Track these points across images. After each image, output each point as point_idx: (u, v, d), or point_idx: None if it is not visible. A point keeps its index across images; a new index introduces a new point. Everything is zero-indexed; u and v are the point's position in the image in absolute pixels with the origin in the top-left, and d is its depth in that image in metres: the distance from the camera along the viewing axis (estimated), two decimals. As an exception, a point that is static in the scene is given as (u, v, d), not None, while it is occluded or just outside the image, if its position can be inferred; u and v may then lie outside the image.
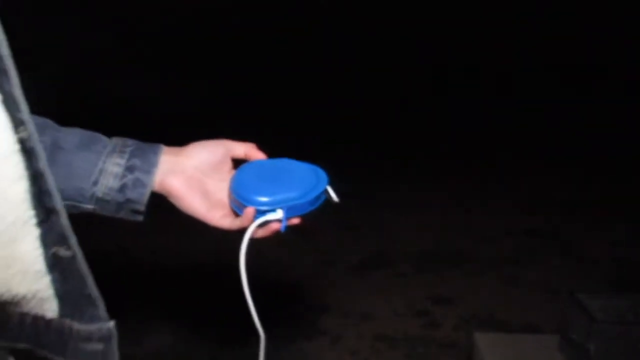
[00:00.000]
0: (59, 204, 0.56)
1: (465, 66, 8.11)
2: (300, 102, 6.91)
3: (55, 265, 0.57)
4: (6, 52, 0.51)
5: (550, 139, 6.58)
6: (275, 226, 0.77)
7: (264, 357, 0.82)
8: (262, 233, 0.78)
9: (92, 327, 0.61)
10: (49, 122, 0.74)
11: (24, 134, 0.51)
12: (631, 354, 1.93)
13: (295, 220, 0.79)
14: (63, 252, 0.58)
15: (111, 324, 0.63)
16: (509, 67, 8.06)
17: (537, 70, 8.06)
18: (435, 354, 2.64)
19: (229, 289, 0.76)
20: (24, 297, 0.56)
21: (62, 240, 0.57)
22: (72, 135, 0.75)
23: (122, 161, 0.74)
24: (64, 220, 0.57)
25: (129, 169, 0.74)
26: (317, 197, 0.78)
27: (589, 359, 1.93)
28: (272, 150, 0.84)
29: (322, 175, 0.80)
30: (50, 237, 0.56)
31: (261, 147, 0.82)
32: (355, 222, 4.38)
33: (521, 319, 2.92)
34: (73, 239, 0.59)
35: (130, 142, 0.77)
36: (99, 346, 0.62)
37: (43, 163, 0.53)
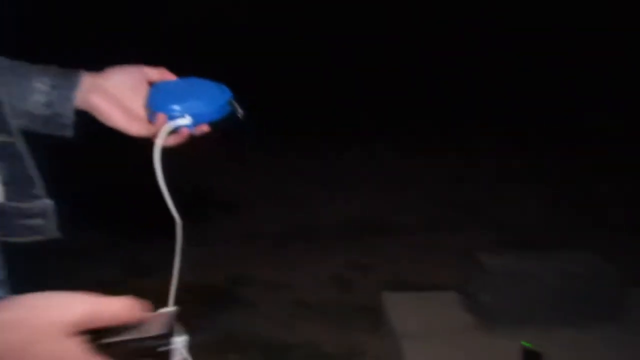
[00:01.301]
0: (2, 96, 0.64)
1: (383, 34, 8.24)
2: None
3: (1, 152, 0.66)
4: None
5: (471, 112, 6.85)
6: (185, 132, 0.86)
7: (180, 241, 0.86)
8: (174, 140, 0.86)
9: (33, 204, 0.72)
10: None
11: None
12: (521, 303, 2.09)
13: (204, 128, 0.87)
14: (5, 138, 0.68)
15: (48, 201, 0.73)
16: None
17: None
18: (349, 317, 2.75)
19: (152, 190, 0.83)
20: None
21: (4, 128, 0.67)
22: (6, 60, 0.84)
23: (47, 80, 0.84)
24: (6, 109, 0.67)
25: (54, 86, 0.84)
26: (222, 107, 0.88)
27: (484, 308, 2.09)
28: None
29: (225, 89, 0.90)
30: None
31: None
32: (277, 194, 4.45)
33: (432, 281, 3.07)
34: (13, 126, 0.69)
35: (53, 66, 0.87)
36: (39, 221, 0.73)
37: None
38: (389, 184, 4.76)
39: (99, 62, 0.94)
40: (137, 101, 0.89)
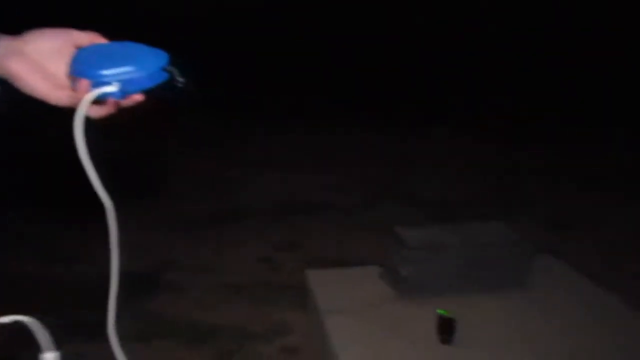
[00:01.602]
0: None
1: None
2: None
3: None
4: None
5: (382, 93, 7.00)
6: (112, 102, 0.77)
7: (115, 226, 0.80)
8: (100, 111, 0.78)
9: None
10: None
11: None
12: (438, 275, 2.18)
13: (137, 97, 0.79)
14: None
15: None
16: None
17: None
18: (276, 296, 2.78)
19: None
20: None
21: None
22: None
23: None
24: None
25: None
26: (156, 74, 0.79)
27: (403, 281, 2.17)
28: None
29: (162, 54, 0.81)
30: None
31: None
32: (206, 176, 4.40)
33: (357, 257, 3.16)
34: None
35: None
36: None
37: None
38: (313, 164, 4.82)
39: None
40: (61, 67, 0.80)
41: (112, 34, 0.85)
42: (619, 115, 6.41)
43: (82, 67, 0.78)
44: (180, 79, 0.81)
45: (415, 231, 2.35)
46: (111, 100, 0.77)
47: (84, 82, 0.76)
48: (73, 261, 2.93)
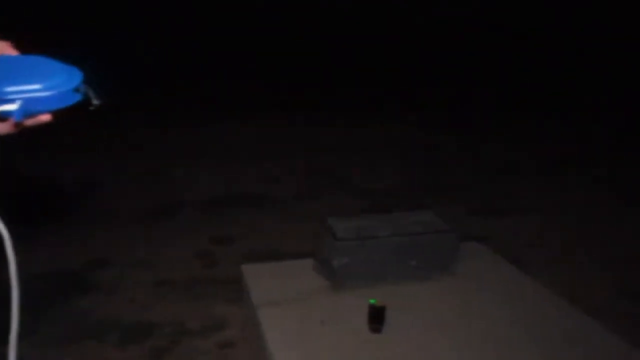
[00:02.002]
0: None
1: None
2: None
3: None
4: None
5: (344, 81, 7.06)
6: (13, 120, 0.72)
7: (12, 255, 0.75)
8: (1, 128, 0.74)
9: None
10: None
11: None
12: (369, 265, 2.25)
13: (44, 117, 0.75)
14: None
15: None
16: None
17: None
18: (214, 291, 2.77)
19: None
20: None
21: None
22: None
23: None
24: None
25: None
26: (66, 94, 0.74)
27: (333, 272, 2.21)
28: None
29: (77, 73, 0.76)
30: None
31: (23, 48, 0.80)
32: (139, 171, 4.31)
33: (296, 249, 3.18)
34: None
35: None
36: None
37: None
38: (248, 156, 4.80)
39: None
40: None
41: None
42: (547, 100, 6.73)
43: None
44: (95, 101, 0.77)
45: (346, 222, 2.41)
46: (11, 119, 0.73)
47: None
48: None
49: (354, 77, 7.25)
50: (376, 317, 1.93)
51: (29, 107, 0.72)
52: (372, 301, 1.95)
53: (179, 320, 2.58)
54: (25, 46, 0.81)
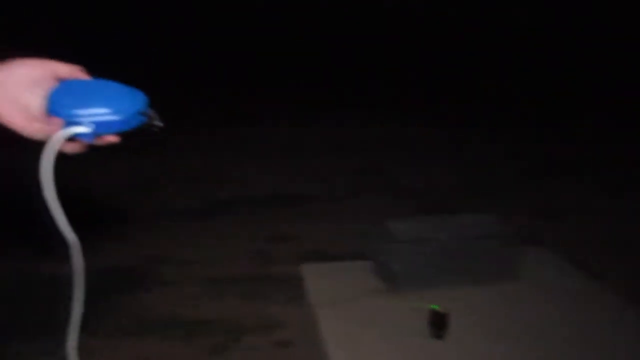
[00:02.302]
0: None
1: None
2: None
3: None
4: None
5: (372, 84, 7.01)
6: (83, 142, 0.78)
7: (80, 266, 0.80)
8: (73, 148, 0.79)
9: None
10: None
11: None
12: (428, 268, 2.21)
13: (112, 138, 0.80)
14: None
15: None
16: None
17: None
18: (270, 290, 2.79)
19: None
20: None
21: None
22: None
23: None
24: None
25: None
26: (132, 117, 0.79)
27: (394, 276, 2.19)
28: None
29: (141, 97, 0.81)
30: None
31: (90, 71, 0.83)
32: (193, 170, 4.39)
33: (350, 249, 3.16)
34: None
35: None
36: None
37: None
38: (295, 155, 4.81)
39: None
40: (38, 100, 0.80)
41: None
42: (598, 102, 6.47)
43: (57, 105, 0.77)
44: (158, 124, 0.81)
45: (404, 224, 2.38)
46: (82, 140, 0.78)
47: (56, 120, 0.77)
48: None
49: (395, 74, 7.17)
50: (438, 323, 1.89)
51: (98, 130, 0.77)
52: (433, 307, 1.92)
53: (236, 318, 2.61)
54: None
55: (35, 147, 0.81)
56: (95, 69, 0.87)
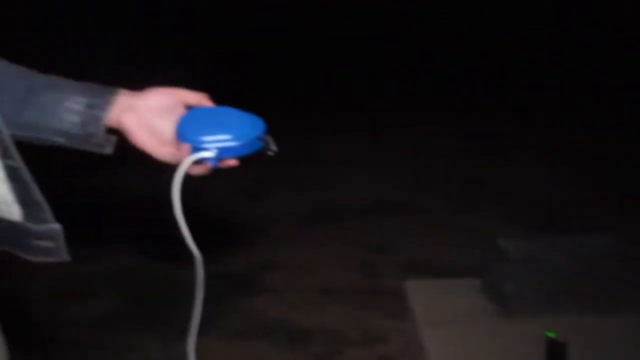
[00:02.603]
0: (1, 123, 0.73)
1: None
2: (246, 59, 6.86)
3: (11, 174, 0.75)
4: None
5: (485, 84, 6.73)
6: (208, 165, 0.85)
7: (202, 277, 0.88)
8: (198, 170, 0.86)
9: (43, 228, 0.79)
10: (24, 69, 0.87)
11: None
12: (545, 292, 2.09)
13: (232, 162, 0.87)
14: (12, 162, 0.74)
15: (57, 225, 0.79)
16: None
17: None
18: (373, 302, 2.77)
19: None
20: None
21: (9, 154, 0.74)
22: (43, 79, 0.86)
23: (83, 100, 0.85)
24: (7, 137, 0.74)
25: (89, 106, 0.85)
26: (251, 143, 0.86)
27: (505, 298, 2.09)
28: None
29: (260, 123, 0.87)
30: (1, 151, 0.73)
31: (212, 98, 0.93)
32: (300, 177, 4.47)
33: (457, 264, 3.07)
34: (15, 153, 0.75)
35: (93, 85, 0.88)
36: (50, 244, 0.80)
37: None
38: (399, 162, 4.73)
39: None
40: (168, 125, 0.88)
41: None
42: None
43: (185, 131, 0.85)
44: (273, 148, 0.87)
45: (519, 243, 2.26)
46: (207, 163, 0.85)
47: (185, 146, 0.84)
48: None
49: (498, 77, 6.86)
50: (556, 354, 1.77)
51: (221, 155, 0.85)
52: (550, 334, 1.80)
53: (339, 328, 2.62)
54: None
55: (163, 167, 0.88)
56: (213, 92, 0.93)
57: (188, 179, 0.85)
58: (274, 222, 3.72)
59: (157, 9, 7.18)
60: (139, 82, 0.93)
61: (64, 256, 0.81)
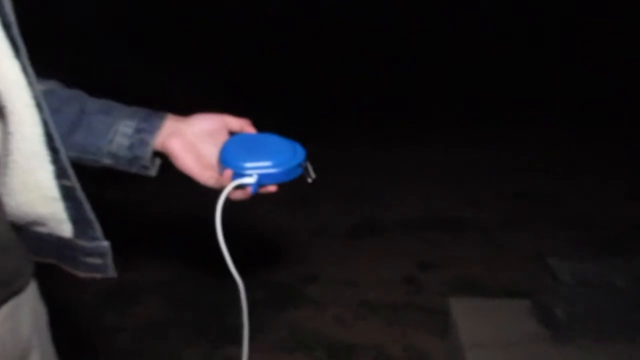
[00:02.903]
0: (60, 145, 0.75)
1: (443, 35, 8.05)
2: (286, 76, 6.91)
3: (65, 194, 0.77)
4: (18, 32, 0.70)
5: (536, 99, 6.54)
6: (249, 190, 0.87)
7: (245, 302, 0.89)
8: (239, 195, 0.88)
9: (92, 245, 0.81)
10: (79, 91, 0.91)
11: (35, 92, 0.72)
12: (596, 317, 1.98)
13: (272, 188, 0.89)
14: (67, 182, 0.77)
15: (106, 243, 0.82)
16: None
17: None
18: (417, 320, 2.70)
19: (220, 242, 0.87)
20: (46, 218, 0.78)
21: (64, 174, 0.76)
22: (96, 102, 0.90)
23: (133, 124, 0.88)
24: (65, 158, 0.76)
25: (137, 130, 0.88)
26: (291, 170, 0.87)
27: (556, 322, 1.99)
28: (261, 123, 0.96)
29: (300, 151, 0.89)
30: (58, 171, 0.76)
31: (254, 122, 0.95)
32: (346, 190, 4.43)
33: (505, 284, 2.97)
34: (72, 173, 0.77)
35: (142, 109, 0.91)
36: (98, 260, 0.82)
37: (47, 114, 0.74)
38: (448, 176, 4.63)
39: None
40: (212, 150, 0.90)
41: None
42: None
43: (228, 156, 0.87)
44: (312, 175, 0.89)
45: (571, 263, 2.15)
46: (248, 189, 0.87)
47: (228, 172, 0.86)
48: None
49: (564, 90, 6.64)
50: (610, 384, 1.67)
51: (262, 180, 0.86)
52: (604, 363, 1.70)
53: (381, 344, 2.57)
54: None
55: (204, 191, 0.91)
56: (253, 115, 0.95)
57: (230, 201, 0.87)
58: (319, 234, 3.70)
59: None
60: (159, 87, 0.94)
61: (111, 272, 0.84)
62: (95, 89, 0.94)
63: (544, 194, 4.21)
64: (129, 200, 4.07)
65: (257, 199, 0.91)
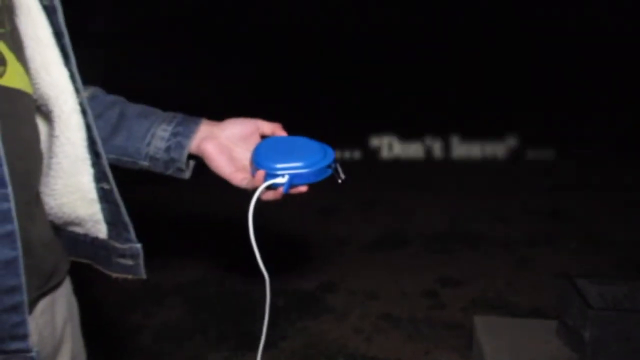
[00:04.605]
0: (102, 149, 0.79)
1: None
2: (313, 86, 6.94)
3: (103, 196, 0.81)
4: (69, 41, 0.74)
5: (568, 119, 6.43)
6: (281, 190, 0.89)
7: (269, 296, 0.91)
8: (271, 195, 0.90)
9: (126, 246, 0.84)
10: (119, 97, 0.96)
11: (81, 99, 0.76)
12: (625, 341, 1.91)
13: (302, 188, 0.90)
14: (106, 185, 0.80)
15: (139, 245, 0.84)
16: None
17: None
18: (438, 336, 2.66)
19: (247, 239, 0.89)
20: (84, 219, 0.82)
21: (105, 177, 0.80)
22: (135, 108, 0.94)
23: (170, 128, 0.92)
24: (105, 162, 0.80)
25: (174, 134, 0.92)
26: (321, 170, 0.89)
27: (584, 345, 1.93)
28: (290, 126, 0.99)
29: (330, 152, 0.91)
30: (97, 174, 0.80)
31: (284, 125, 0.98)
32: (371, 202, 4.41)
33: (530, 303, 2.92)
34: (110, 176, 0.81)
35: (179, 114, 0.95)
36: (130, 262, 0.85)
37: (91, 119, 0.77)
38: (473, 190, 4.57)
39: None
40: (245, 153, 0.93)
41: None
42: None
43: (260, 158, 0.89)
44: (342, 176, 0.90)
45: (600, 285, 2.10)
46: (280, 189, 0.89)
47: (260, 172, 0.88)
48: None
49: (605, 110, 6.52)
50: (639, 412, 1.61)
51: (293, 181, 0.88)
52: (633, 389, 1.64)
53: (400, 356, 2.54)
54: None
55: (235, 189, 0.93)
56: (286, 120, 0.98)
57: (261, 203, 0.89)
58: (343, 244, 3.68)
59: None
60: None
61: (142, 274, 0.87)
62: (128, 96, 0.98)
63: (573, 213, 4.13)
64: (157, 202, 4.12)
65: (286, 205, 0.92)
